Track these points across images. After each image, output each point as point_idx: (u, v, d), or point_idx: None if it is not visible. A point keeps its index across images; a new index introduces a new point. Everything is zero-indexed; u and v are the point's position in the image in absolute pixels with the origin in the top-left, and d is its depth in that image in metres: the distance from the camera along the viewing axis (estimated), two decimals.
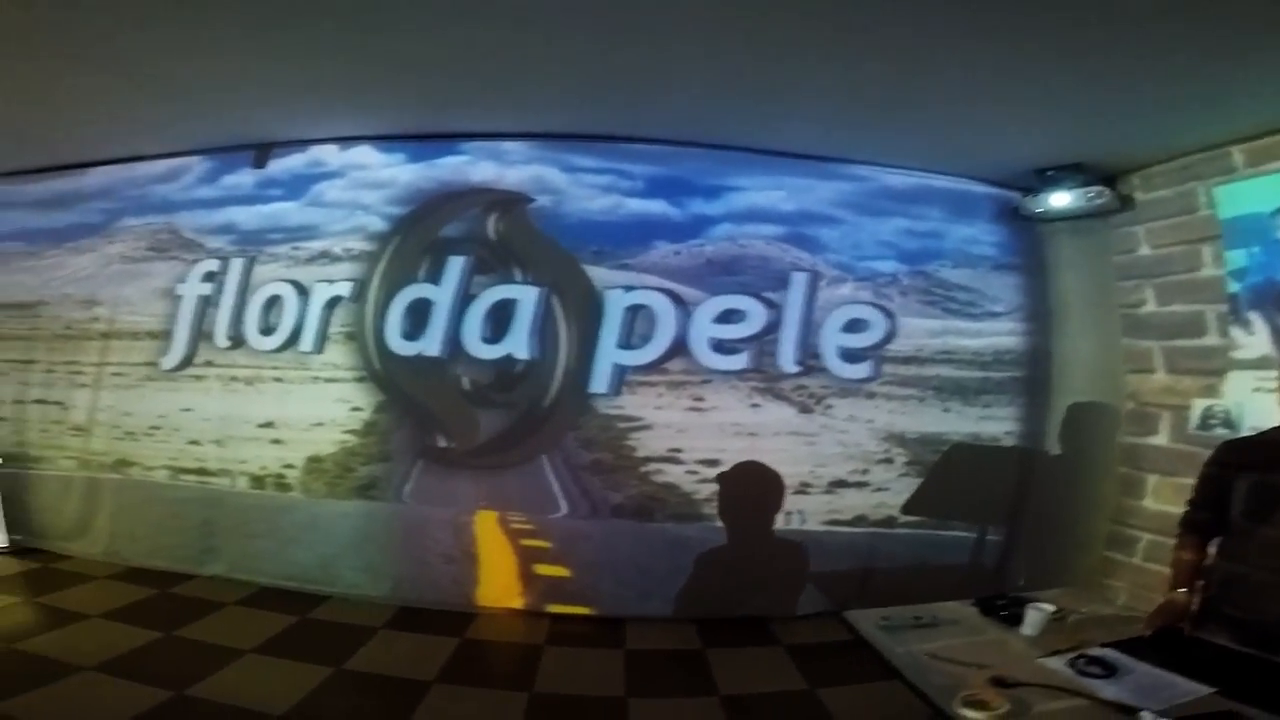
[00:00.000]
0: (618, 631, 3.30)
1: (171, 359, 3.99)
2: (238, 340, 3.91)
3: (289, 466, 3.81)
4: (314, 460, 3.76)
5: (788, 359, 3.67)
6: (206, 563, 3.88)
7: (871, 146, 3.63)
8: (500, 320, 3.64)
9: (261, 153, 3.99)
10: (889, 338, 3.75)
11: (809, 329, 3.68)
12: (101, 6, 2.40)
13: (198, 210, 4.09)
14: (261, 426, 3.84)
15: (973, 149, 3.52)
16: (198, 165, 4.13)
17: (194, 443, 3.94)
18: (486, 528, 3.66)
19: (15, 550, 4.01)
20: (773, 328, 3.67)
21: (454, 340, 3.66)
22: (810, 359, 3.68)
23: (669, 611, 3.51)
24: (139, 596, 3.50)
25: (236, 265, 3.96)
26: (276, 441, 3.82)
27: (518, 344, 3.63)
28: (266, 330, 3.86)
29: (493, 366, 3.67)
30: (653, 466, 3.60)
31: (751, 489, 3.65)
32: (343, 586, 3.70)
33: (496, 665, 3.18)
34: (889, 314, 3.77)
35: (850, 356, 3.73)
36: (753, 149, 3.68)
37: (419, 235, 3.79)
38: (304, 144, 3.92)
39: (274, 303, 3.87)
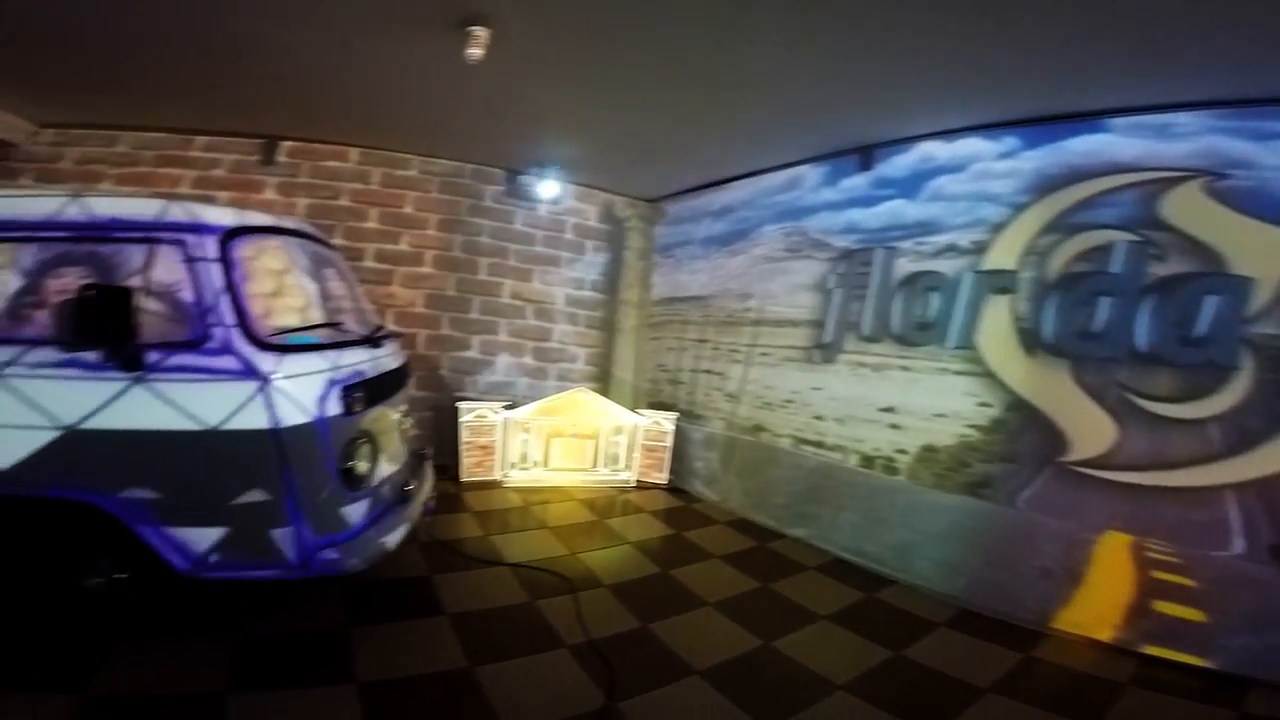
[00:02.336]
0: (1234, 691, 2.63)
1: (817, 342, 4.50)
2: (879, 332, 4.10)
3: (901, 452, 3.84)
4: (928, 450, 3.73)
5: None
6: (795, 525, 4.35)
7: None
8: (1186, 317, 2.93)
9: (866, 155, 4.18)
10: None
11: None
12: (737, 37, 2.87)
13: (822, 213, 4.52)
14: (882, 410, 3.98)
15: None
16: (810, 173, 4.61)
17: (818, 418, 4.38)
18: (1110, 550, 3.08)
19: (669, 487, 5.44)
20: None
21: (1120, 340, 3.10)
22: None
23: None
24: (746, 546, 4.17)
25: (877, 258, 4.14)
26: (894, 427, 3.91)
27: (1224, 351, 2.82)
28: (914, 323, 3.92)
29: (1179, 373, 2.96)
30: None
31: None
32: (912, 575, 3.66)
33: (1061, 690, 2.69)
34: None
35: None
36: None
37: (1060, 223, 3.35)
38: (906, 142, 3.97)
39: (917, 297, 3.91)
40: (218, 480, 2.28)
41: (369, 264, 5.24)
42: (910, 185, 4.01)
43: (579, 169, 5.31)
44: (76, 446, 2.19)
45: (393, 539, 2.64)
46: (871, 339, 4.14)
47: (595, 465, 5.35)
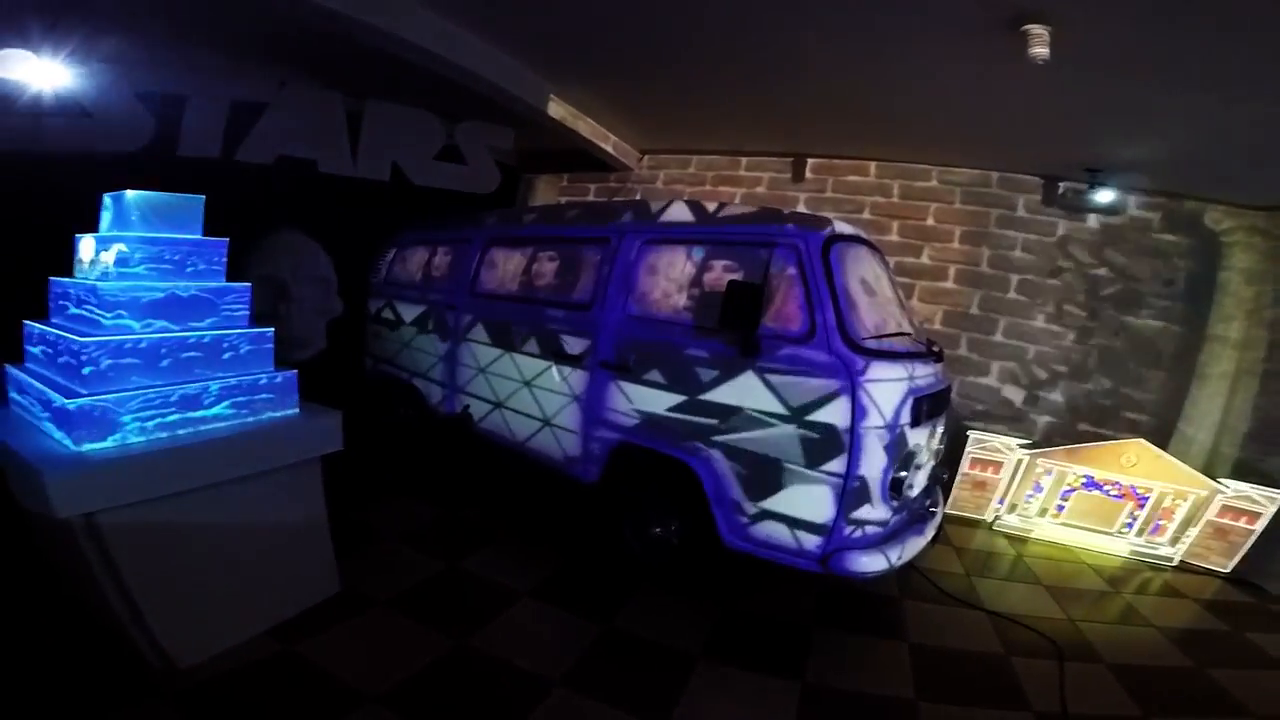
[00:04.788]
0: None
1: None
2: None
3: None
4: None
5: None
6: None
7: None
8: None
9: None
10: None
11: None
12: None
13: None
14: None
15: None
16: None
17: None
18: None
19: (1234, 578, 3.94)
20: None
21: None
22: None
23: None
24: None
25: None
26: None
27: None
28: None
29: None
30: None
31: None
32: None
33: None
34: None
35: None
36: None
37: None
38: None
39: None
40: (785, 466, 2.55)
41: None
42: None
43: (1152, 171, 4.32)
44: (694, 411, 2.81)
45: (906, 556, 2.66)
46: None
47: (1124, 531, 4.31)
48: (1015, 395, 5.18)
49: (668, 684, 2.39)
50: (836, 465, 2.45)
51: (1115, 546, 4.33)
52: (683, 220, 3.12)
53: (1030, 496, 4.58)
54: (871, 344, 2.52)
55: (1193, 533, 4.12)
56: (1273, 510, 3.91)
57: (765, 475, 2.62)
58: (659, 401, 2.95)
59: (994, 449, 4.71)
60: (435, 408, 4.30)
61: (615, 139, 5.64)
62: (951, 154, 4.96)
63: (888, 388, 2.43)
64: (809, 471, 2.51)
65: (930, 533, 2.89)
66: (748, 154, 5.77)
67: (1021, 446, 4.64)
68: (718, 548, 2.81)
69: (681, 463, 2.86)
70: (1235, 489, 4.03)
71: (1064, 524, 4.49)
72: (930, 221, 5.22)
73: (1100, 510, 4.38)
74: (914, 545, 2.70)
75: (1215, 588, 3.91)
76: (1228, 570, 4.08)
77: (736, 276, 2.70)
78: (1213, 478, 4.15)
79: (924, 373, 2.75)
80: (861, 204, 5.38)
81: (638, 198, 5.75)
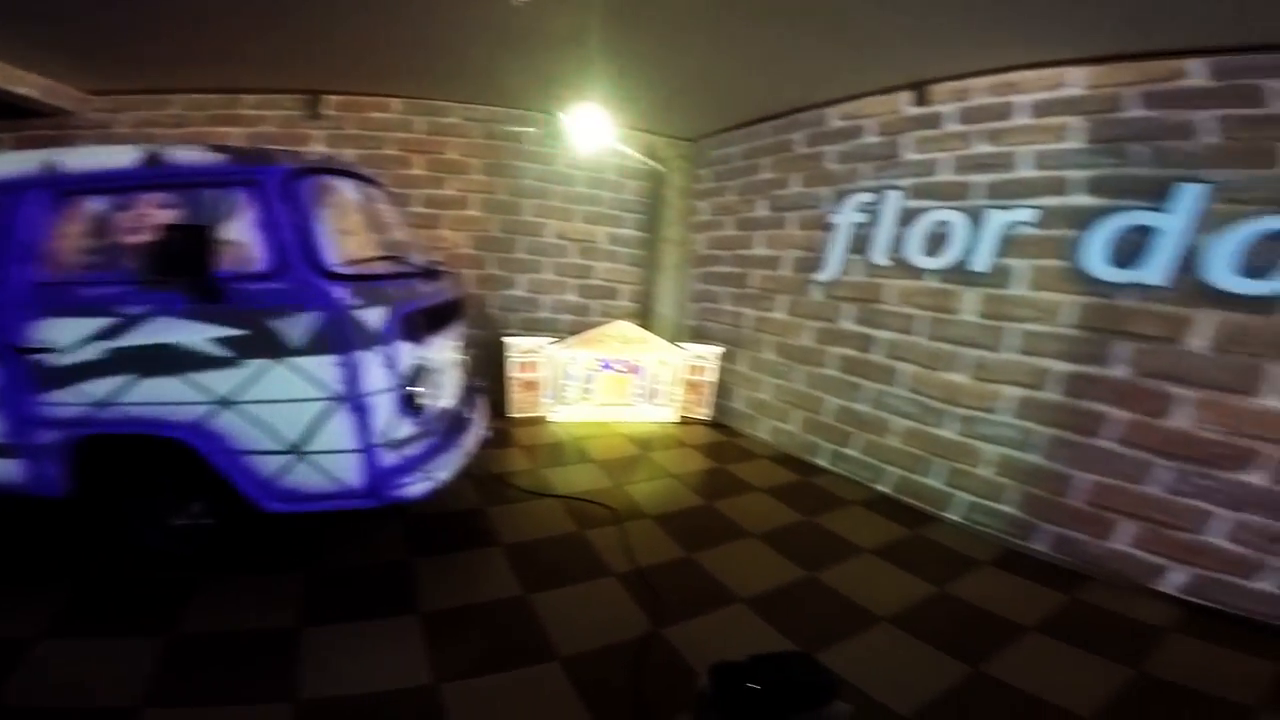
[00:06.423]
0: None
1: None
2: None
3: None
4: None
5: None
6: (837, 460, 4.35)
7: None
8: None
9: (922, 89, 3.84)
10: None
11: None
12: None
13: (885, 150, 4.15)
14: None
15: None
16: (872, 103, 4.17)
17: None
18: None
19: (713, 423, 5.50)
20: None
21: None
22: None
23: None
24: (789, 480, 4.24)
25: None
26: None
27: None
28: None
29: None
30: None
31: None
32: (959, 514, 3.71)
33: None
34: None
35: None
36: None
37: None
38: (962, 77, 3.63)
39: None
40: (290, 409, 2.40)
41: (418, 209, 5.40)
42: (966, 119, 3.66)
43: (619, 110, 5.09)
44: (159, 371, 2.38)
45: (452, 467, 2.75)
46: None
47: (638, 400, 5.41)
48: (544, 300, 5.92)
49: (278, 664, 2.10)
50: (340, 392, 2.39)
51: (636, 415, 5.39)
52: (117, 166, 2.45)
53: (568, 387, 5.25)
54: (349, 270, 2.48)
55: (679, 391, 5.45)
56: (717, 363, 5.47)
57: (274, 425, 2.41)
58: (111, 374, 2.39)
59: (529, 351, 5.19)
60: None
61: (43, 80, 4.67)
62: (471, 92, 5.12)
63: (374, 311, 2.43)
64: (314, 406, 2.40)
65: (472, 441, 3.03)
66: (254, 91, 5.10)
67: (552, 345, 5.21)
68: (259, 516, 2.52)
69: (169, 438, 2.42)
70: (692, 350, 5.45)
71: (599, 405, 5.34)
72: (454, 156, 5.49)
73: (617, 386, 5.36)
74: (458, 456, 2.83)
75: (704, 434, 5.27)
76: (710, 417, 5.56)
77: (188, 220, 2.35)
78: (679, 345, 5.52)
79: (421, 290, 2.83)
80: (385, 140, 5.33)
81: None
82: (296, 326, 2.35)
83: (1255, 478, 2.63)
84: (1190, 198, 2.76)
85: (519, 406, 5.23)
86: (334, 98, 5.17)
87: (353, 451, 2.45)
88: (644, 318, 6.07)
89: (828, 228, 4.44)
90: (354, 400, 2.41)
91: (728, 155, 5.59)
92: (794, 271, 4.85)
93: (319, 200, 2.56)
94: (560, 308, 5.97)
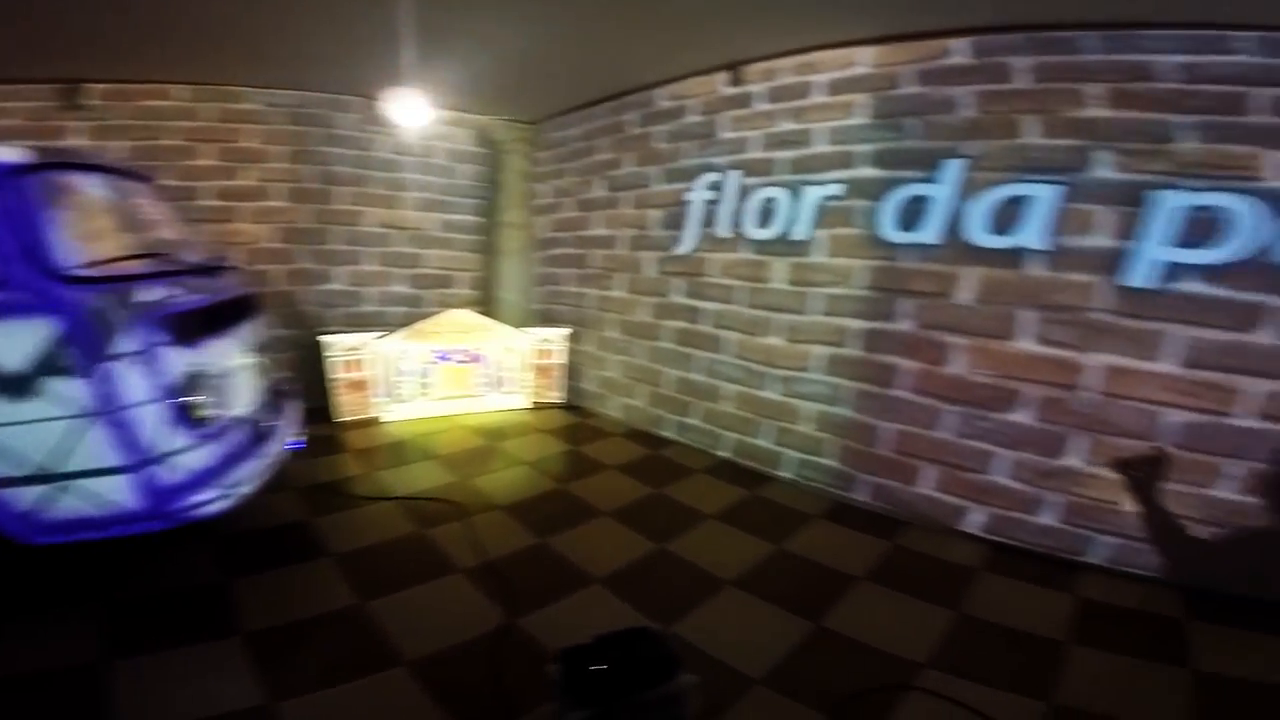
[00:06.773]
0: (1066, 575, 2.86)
1: None
2: None
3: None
4: None
5: None
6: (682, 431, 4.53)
7: None
8: None
9: (736, 70, 3.99)
10: None
11: None
12: None
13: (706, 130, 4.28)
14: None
15: None
16: (694, 84, 4.28)
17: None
18: None
19: (566, 405, 5.42)
20: None
21: None
22: None
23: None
24: (639, 454, 4.30)
25: None
26: None
27: None
28: None
29: None
30: None
31: None
32: (790, 471, 3.94)
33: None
34: None
35: None
36: None
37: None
38: (771, 58, 3.82)
39: None
40: (35, 432, 2.02)
41: (208, 202, 4.73)
42: (772, 98, 3.88)
43: (448, 92, 4.79)
44: None
45: (252, 479, 2.45)
46: None
47: (485, 390, 5.19)
48: (369, 293, 5.46)
49: (84, 706, 1.83)
50: (91, 407, 2.06)
51: (483, 406, 5.16)
52: None
53: (402, 383, 4.89)
54: (92, 272, 2.16)
55: (529, 377, 5.30)
56: (565, 346, 5.39)
57: (16, 449, 2.03)
58: None
59: (353, 348, 4.76)
60: None
61: None
62: (271, 76, 4.59)
63: (122, 313, 2.15)
64: (58, 425, 2.05)
65: (275, 449, 2.73)
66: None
67: (378, 340, 4.82)
68: (21, 550, 2.11)
69: None
70: (538, 335, 5.34)
71: (441, 399, 5.03)
72: (254, 144, 4.88)
73: (458, 378, 5.09)
74: (259, 466, 2.55)
75: (557, 417, 5.17)
76: (563, 400, 5.46)
77: None
78: (527, 329, 5.37)
79: (192, 288, 2.54)
80: (164, 130, 4.64)
81: None
82: (29, 337, 1.96)
83: (1022, 416, 3.06)
84: (954, 169, 3.15)
85: (348, 409, 4.77)
86: (99, 86, 4.37)
87: (120, 471, 2.09)
88: (486, 305, 5.82)
89: (683, 204, 4.48)
90: (109, 415, 2.05)
91: (566, 137, 5.49)
92: (630, 249, 4.90)
93: (51, 198, 2.18)
94: (389, 300, 5.52)
